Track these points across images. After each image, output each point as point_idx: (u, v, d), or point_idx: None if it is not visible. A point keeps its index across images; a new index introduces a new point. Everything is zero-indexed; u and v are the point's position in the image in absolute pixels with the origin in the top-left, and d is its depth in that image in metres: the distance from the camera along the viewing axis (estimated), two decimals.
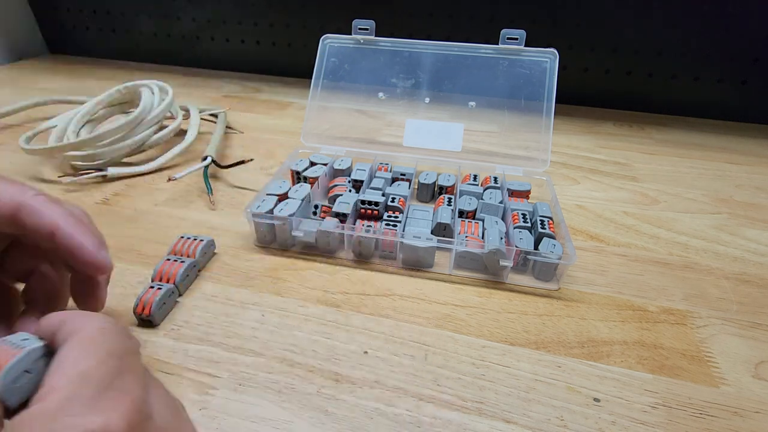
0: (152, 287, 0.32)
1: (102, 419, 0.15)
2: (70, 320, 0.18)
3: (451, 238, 0.37)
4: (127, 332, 0.19)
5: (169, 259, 0.34)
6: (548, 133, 0.47)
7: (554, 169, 0.55)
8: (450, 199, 0.43)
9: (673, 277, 0.38)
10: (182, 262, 0.34)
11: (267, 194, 0.41)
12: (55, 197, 0.24)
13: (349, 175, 0.47)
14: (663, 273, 0.38)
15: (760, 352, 0.31)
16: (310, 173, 0.45)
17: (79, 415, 0.15)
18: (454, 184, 0.46)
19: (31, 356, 0.18)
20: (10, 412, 0.17)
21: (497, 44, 0.48)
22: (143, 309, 0.31)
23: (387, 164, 0.49)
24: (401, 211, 0.41)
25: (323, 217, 0.40)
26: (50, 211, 0.22)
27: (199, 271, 0.36)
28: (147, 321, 0.31)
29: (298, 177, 0.46)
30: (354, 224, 0.40)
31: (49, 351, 0.18)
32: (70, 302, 0.27)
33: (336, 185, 0.45)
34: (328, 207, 0.41)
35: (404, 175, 0.47)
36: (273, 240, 0.40)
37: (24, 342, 0.18)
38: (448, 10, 0.73)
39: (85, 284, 0.26)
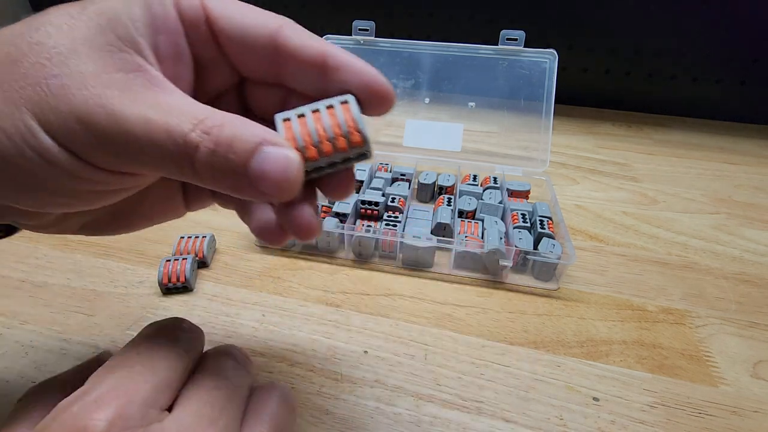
0: (176, 259, 0.34)
1: None
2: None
3: (451, 238, 0.37)
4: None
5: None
6: (548, 133, 0.47)
7: (554, 169, 0.55)
8: (450, 199, 0.43)
9: (672, 277, 0.38)
10: (203, 237, 0.37)
11: None
12: None
13: None
14: (662, 273, 0.39)
15: (759, 351, 0.32)
16: None
17: None
18: (453, 184, 0.46)
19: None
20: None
21: (497, 45, 0.48)
22: (177, 279, 0.33)
23: (387, 164, 0.49)
24: (401, 211, 0.41)
25: (323, 217, 0.40)
26: (313, 37, 0.18)
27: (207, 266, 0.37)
28: (183, 288, 0.34)
29: None
30: (354, 224, 0.40)
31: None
32: None
33: None
34: (328, 207, 0.41)
35: (404, 175, 0.48)
36: None
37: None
38: (448, 10, 0.73)
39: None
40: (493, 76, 0.49)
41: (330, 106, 0.17)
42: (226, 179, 0.15)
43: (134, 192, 0.19)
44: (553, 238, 0.37)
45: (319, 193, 0.18)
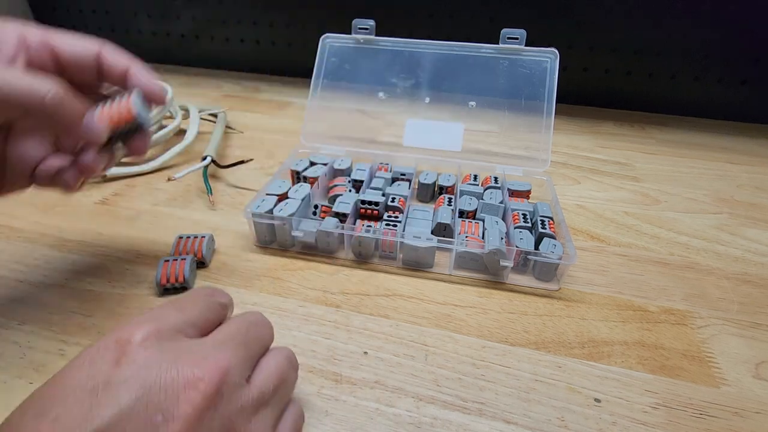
0: (174, 259, 0.34)
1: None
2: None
3: (451, 238, 0.37)
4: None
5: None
6: (548, 132, 0.47)
7: (554, 169, 0.55)
8: (450, 199, 0.43)
9: (674, 277, 0.38)
10: (202, 237, 0.37)
11: (267, 194, 0.40)
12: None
13: (349, 175, 0.47)
14: (663, 273, 0.38)
15: (761, 352, 0.31)
16: (309, 173, 0.45)
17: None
18: (454, 184, 0.46)
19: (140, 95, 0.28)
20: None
21: (497, 44, 0.48)
22: (176, 279, 0.33)
23: (387, 164, 0.49)
24: (401, 211, 0.41)
25: (323, 217, 0.39)
26: (122, 56, 0.29)
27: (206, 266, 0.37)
28: (182, 288, 0.34)
29: (298, 177, 0.46)
30: (354, 224, 0.40)
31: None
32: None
33: (336, 185, 0.45)
34: (328, 207, 0.41)
35: (404, 175, 0.47)
36: (273, 240, 0.40)
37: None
38: (448, 10, 0.73)
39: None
40: (494, 75, 0.48)
41: (122, 97, 0.28)
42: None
43: None
44: (554, 239, 0.37)
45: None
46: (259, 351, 0.22)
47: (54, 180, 0.28)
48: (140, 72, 0.29)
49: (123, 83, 0.29)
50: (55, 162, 0.28)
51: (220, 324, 0.22)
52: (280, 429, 0.22)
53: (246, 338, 0.21)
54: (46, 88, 0.24)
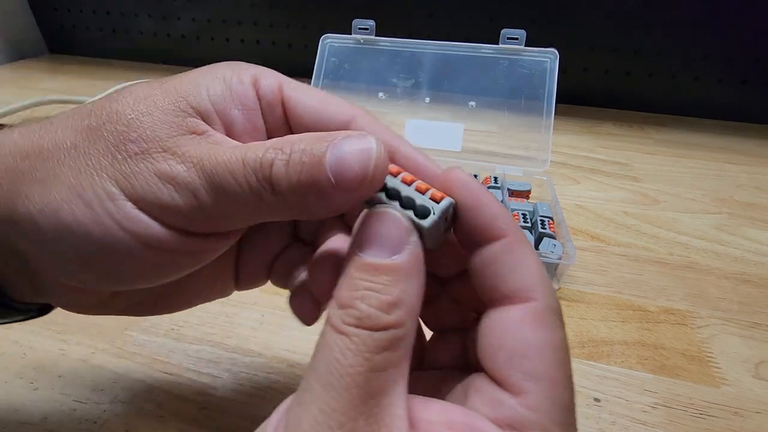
0: None
1: None
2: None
3: None
4: None
5: None
6: (548, 133, 0.47)
7: (554, 169, 0.55)
8: None
9: (674, 277, 0.38)
10: None
11: None
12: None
13: None
14: (663, 273, 0.38)
15: (761, 352, 0.31)
16: None
17: None
18: None
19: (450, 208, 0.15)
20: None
21: (497, 44, 0.48)
22: None
23: None
24: None
25: None
26: (383, 129, 0.18)
27: None
28: None
29: None
30: None
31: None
32: None
33: None
34: None
35: None
36: None
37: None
38: (448, 10, 0.73)
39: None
40: (494, 75, 0.48)
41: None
42: (303, 186, 0.14)
43: (203, 263, 0.17)
44: (554, 238, 0.37)
45: None
46: None
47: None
48: (427, 163, 0.18)
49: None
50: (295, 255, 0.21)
51: None
52: None
53: None
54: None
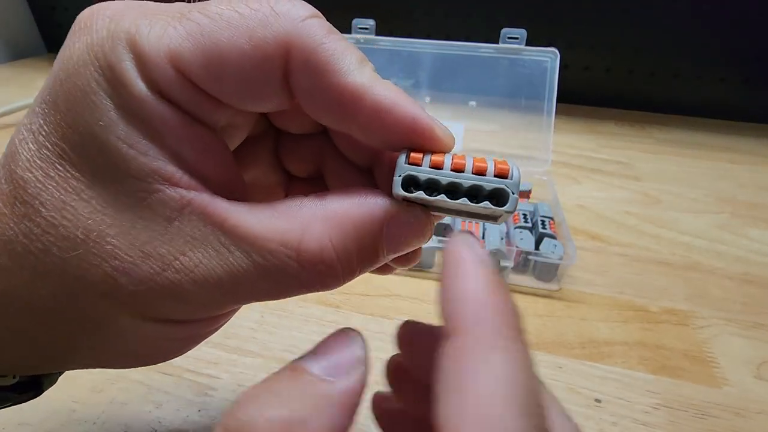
0: None
1: None
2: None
3: None
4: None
5: None
6: (549, 132, 0.46)
7: (555, 168, 0.55)
8: None
9: (675, 277, 0.38)
10: None
11: None
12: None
13: None
14: (665, 273, 0.38)
15: (763, 352, 0.31)
16: None
17: None
18: None
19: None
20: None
21: (498, 43, 0.48)
22: None
23: None
24: None
25: None
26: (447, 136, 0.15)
27: None
28: None
29: None
30: None
31: None
32: None
33: None
34: None
35: None
36: None
37: None
38: (448, 9, 0.73)
39: None
40: (494, 74, 0.48)
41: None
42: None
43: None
44: (555, 239, 0.37)
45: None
46: None
47: None
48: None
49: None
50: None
51: None
52: None
53: None
54: None
